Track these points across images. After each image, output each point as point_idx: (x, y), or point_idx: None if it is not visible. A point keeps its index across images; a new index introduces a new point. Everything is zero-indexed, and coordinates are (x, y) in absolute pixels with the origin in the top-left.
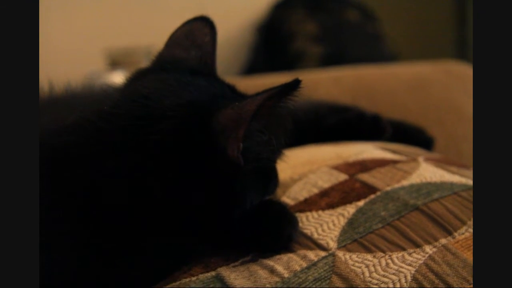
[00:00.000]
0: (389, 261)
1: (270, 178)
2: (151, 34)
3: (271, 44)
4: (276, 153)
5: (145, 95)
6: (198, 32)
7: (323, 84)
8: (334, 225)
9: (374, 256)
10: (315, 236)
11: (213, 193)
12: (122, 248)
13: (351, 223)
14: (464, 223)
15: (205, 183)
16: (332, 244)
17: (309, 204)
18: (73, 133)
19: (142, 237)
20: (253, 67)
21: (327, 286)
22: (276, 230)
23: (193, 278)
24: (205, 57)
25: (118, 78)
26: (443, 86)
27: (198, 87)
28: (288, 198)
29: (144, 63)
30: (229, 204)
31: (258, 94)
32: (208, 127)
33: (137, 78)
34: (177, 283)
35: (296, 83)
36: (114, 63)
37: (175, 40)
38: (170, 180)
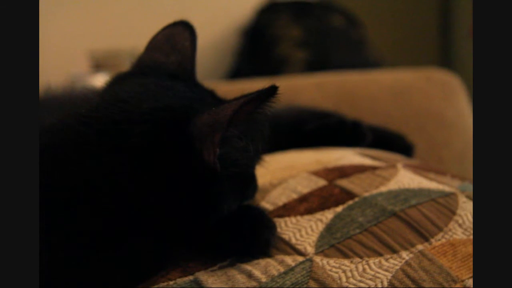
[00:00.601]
0: (366, 266)
1: (248, 183)
2: (135, 36)
3: (256, 49)
4: (254, 159)
5: (124, 99)
6: (178, 36)
7: (306, 89)
8: (312, 230)
9: (351, 262)
10: (293, 241)
11: (188, 197)
12: (98, 251)
13: (329, 228)
14: (440, 229)
15: (181, 187)
16: (310, 249)
17: (287, 209)
18: (51, 137)
19: (119, 239)
20: (237, 72)
21: None
22: (254, 235)
23: (171, 282)
24: (185, 62)
25: (101, 80)
26: (423, 93)
27: (177, 91)
28: (267, 203)
29: (128, 65)
30: (205, 209)
31: (235, 99)
32: (185, 131)
33: (117, 82)
34: (155, 286)
35: (272, 89)
36: (98, 65)
37: (155, 44)
38: (146, 184)
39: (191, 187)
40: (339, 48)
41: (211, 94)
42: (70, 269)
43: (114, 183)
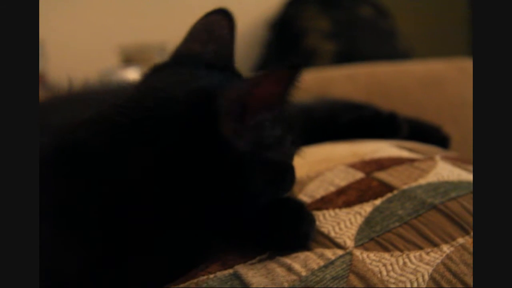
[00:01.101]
0: (407, 260)
1: (284, 174)
2: (165, 31)
3: (284, 41)
4: (287, 146)
5: (156, 87)
6: (216, 25)
7: (337, 81)
8: (351, 223)
9: (392, 255)
10: (332, 234)
11: (218, 182)
12: (136, 245)
13: (368, 221)
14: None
15: (210, 171)
16: (349, 243)
17: (325, 202)
18: (89, 128)
19: (156, 232)
20: (265, 64)
21: (344, 285)
22: (293, 228)
23: (211, 276)
24: (223, 51)
25: (131, 74)
26: (456, 84)
27: (210, 78)
28: (305, 195)
29: (158, 59)
30: (236, 196)
31: (258, 74)
32: (211, 109)
33: (152, 74)
34: (195, 280)
35: (296, 66)
36: (128, 60)
37: (193, 34)
38: (178, 170)
39: (220, 170)
40: (368, 39)
41: None
42: (111, 263)
43: (148, 172)
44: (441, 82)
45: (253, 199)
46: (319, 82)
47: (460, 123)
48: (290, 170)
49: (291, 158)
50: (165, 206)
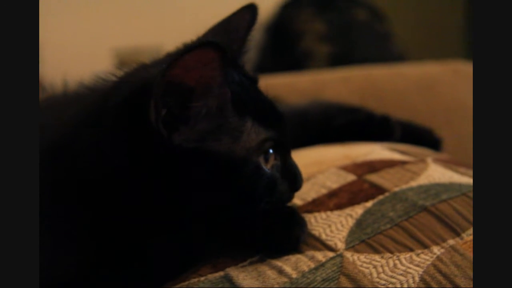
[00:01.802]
0: (397, 261)
1: (246, 170)
2: (160, 34)
3: (279, 44)
4: (247, 135)
5: (124, 76)
6: (236, 18)
7: (332, 84)
8: (342, 226)
9: (382, 257)
10: (323, 237)
11: (159, 178)
12: (125, 250)
13: (359, 224)
14: (472, 224)
15: (147, 166)
16: (340, 245)
17: (317, 205)
18: (64, 129)
19: (144, 237)
20: (261, 67)
21: (335, 287)
22: (284, 232)
23: (202, 278)
24: (233, 43)
25: None
26: (451, 86)
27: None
28: (297, 198)
29: None
30: (183, 193)
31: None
32: (145, 93)
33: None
34: (186, 283)
35: (210, 43)
36: (122, 63)
37: (212, 27)
38: (122, 165)
39: (155, 165)
40: (363, 42)
41: (249, 77)
42: (101, 265)
43: (105, 174)
44: (435, 84)
45: (183, 197)
46: (313, 85)
47: (454, 125)
48: (252, 165)
49: (253, 150)
50: (129, 207)
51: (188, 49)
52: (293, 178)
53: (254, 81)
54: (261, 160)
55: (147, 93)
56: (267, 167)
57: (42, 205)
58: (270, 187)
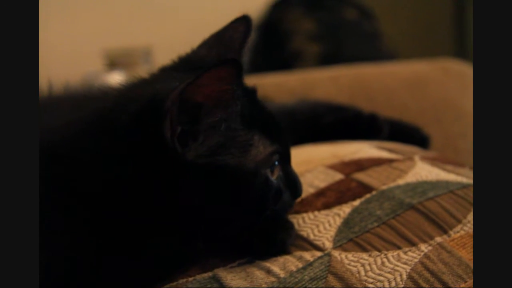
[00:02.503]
0: (385, 259)
1: (254, 181)
2: (150, 35)
3: (269, 44)
4: (255, 148)
5: (130, 88)
6: (231, 30)
7: (321, 83)
8: (330, 225)
9: (370, 255)
10: (311, 237)
11: (168, 190)
12: (115, 253)
13: (347, 222)
14: (459, 221)
15: (157, 178)
16: (328, 244)
17: (305, 205)
18: (63, 133)
19: (136, 240)
20: (251, 67)
21: (323, 285)
22: (270, 237)
23: (190, 279)
24: (228, 54)
25: (116, 78)
26: (440, 85)
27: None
28: None
29: (142, 63)
30: (179, 203)
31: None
32: (154, 114)
33: (140, 79)
34: (174, 283)
35: (233, 62)
36: (112, 64)
37: (206, 39)
38: (130, 177)
39: (165, 179)
40: (353, 41)
41: (246, 87)
42: (90, 266)
43: (108, 182)
44: (424, 83)
45: (193, 210)
46: (302, 84)
47: (443, 123)
48: (262, 177)
49: (262, 163)
50: (131, 212)
51: (208, 69)
52: (294, 187)
53: (254, 93)
54: (268, 172)
55: (160, 111)
56: (273, 178)
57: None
58: (277, 197)
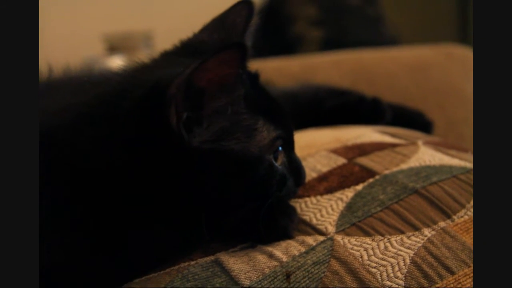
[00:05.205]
0: (388, 244)
1: (259, 166)
2: (150, 19)
3: (271, 28)
4: (259, 133)
5: (132, 73)
6: (233, 14)
7: (323, 68)
8: (332, 209)
9: (373, 240)
10: (314, 221)
11: (174, 178)
12: (115, 238)
13: (350, 207)
14: (463, 206)
15: (163, 166)
16: (331, 229)
17: (307, 189)
18: (64, 117)
19: (136, 227)
20: (252, 51)
21: (325, 270)
22: (272, 222)
23: (192, 262)
24: (230, 39)
25: (116, 62)
26: (443, 69)
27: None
28: None
29: (142, 47)
30: (186, 193)
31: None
32: (162, 96)
33: (141, 63)
34: (176, 267)
35: (239, 45)
36: (112, 48)
37: (207, 24)
38: (134, 163)
39: (172, 167)
40: (355, 26)
41: (249, 72)
42: (93, 253)
43: (110, 166)
44: (427, 68)
45: (199, 195)
46: (304, 69)
47: (446, 108)
48: (266, 162)
49: (266, 148)
50: (134, 198)
51: (214, 53)
52: (298, 173)
53: (256, 77)
54: (272, 158)
55: (164, 97)
56: (277, 164)
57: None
58: (281, 183)
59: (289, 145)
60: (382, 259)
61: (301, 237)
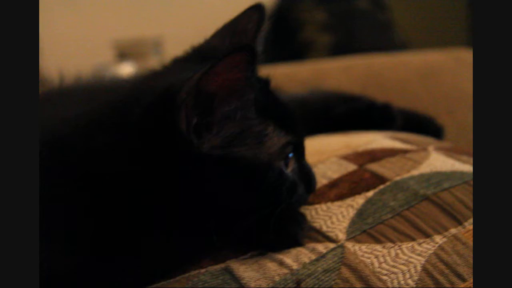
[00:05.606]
0: (399, 251)
1: (269, 173)
2: (159, 26)
3: (280, 33)
4: (269, 138)
5: (142, 80)
6: (244, 20)
7: (333, 73)
8: (343, 216)
9: (384, 247)
10: (324, 228)
11: (183, 183)
12: (126, 244)
13: (360, 214)
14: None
15: (172, 172)
16: (341, 236)
17: (318, 196)
18: (76, 125)
19: (146, 233)
20: (261, 57)
21: (336, 277)
22: (281, 230)
23: (202, 270)
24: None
25: (126, 69)
26: (453, 74)
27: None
28: None
29: (152, 54)
30: (193, 196)
31: (209, 64)
32: (173, 102)
33: (153, 70)
34: (186, 275)
35: (246, 48)
36: (122, 55)
37: (218, 29)
38: (144, 170)
39: (181, 173)
40: (365, 31)
41: (260, 78)
42: (96, 263)
43: (120, 173)
44: (437, 73)
45: (207, 204)
46: (314, 74)
47: (456, 113)
48: (276, 169)
49: (277, 155)
50: (143, 204)
51: (222, 57)
52: (309, 180)
53: (267, 83)
54: (282, 164)
55: (174, 102)
56: (288, 171)
57: (41, 195)
58: (291, 190)
59: (300, 151)
60: (393, 266)
61: (311, 245)
